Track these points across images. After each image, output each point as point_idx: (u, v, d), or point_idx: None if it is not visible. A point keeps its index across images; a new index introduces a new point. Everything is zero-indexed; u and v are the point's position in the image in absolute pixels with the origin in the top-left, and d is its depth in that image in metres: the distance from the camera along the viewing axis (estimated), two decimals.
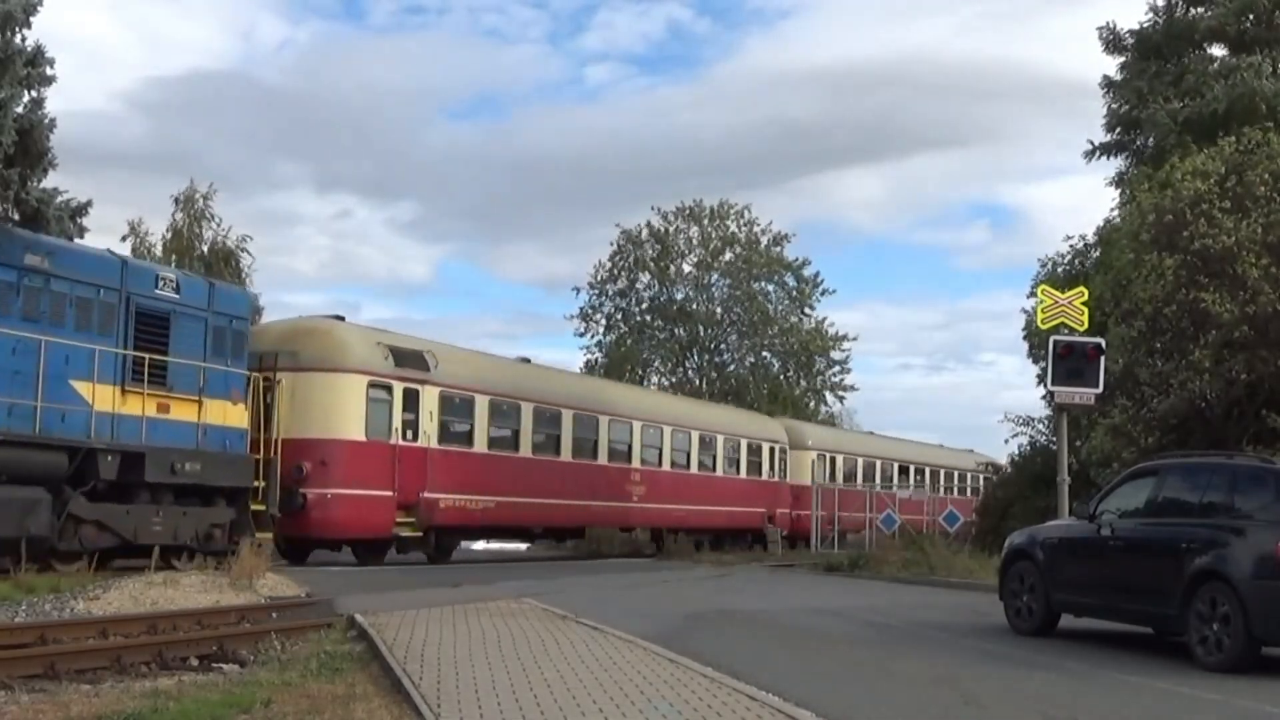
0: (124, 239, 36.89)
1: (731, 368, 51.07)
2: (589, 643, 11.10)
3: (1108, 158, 28.84)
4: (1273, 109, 23.78)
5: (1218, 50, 27.59)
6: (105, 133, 71.08)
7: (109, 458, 16.70)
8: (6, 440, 15.40)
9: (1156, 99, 26.31)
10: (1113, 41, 28.54)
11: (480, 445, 24.74)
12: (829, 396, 52.74)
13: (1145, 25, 28.13)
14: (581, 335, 50.90)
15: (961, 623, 14.93)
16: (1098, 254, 25.94)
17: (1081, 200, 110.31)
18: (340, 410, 21.34)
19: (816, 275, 50.74)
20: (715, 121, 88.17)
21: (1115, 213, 26.61)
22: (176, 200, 37.85)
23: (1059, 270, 26.42)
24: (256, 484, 19.30)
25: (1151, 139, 26.86)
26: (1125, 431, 19.98)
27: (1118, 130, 28.41)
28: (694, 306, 50.39)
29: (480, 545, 29.56)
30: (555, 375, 29.95)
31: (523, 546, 31.01)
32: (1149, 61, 27.76)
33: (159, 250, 36.83)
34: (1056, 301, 19.77)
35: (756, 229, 50.38)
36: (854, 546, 31.34)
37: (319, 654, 10.58)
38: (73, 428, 16.38)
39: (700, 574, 24.07)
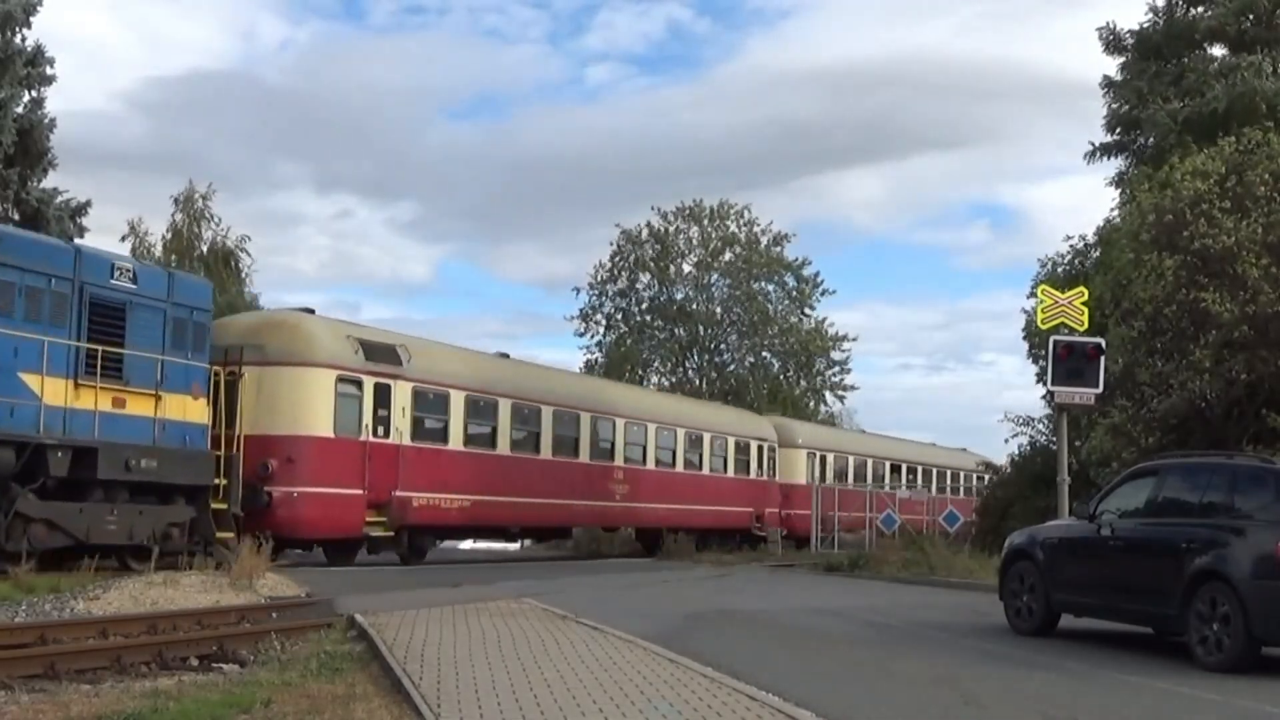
0: (124, 239, 37.09)
1: (731, 368, 51.05)
2: (589, 643, 11.10)
3: (1108, 158, 28.88)
4: (1273, 109, 23.79)
5: (1218, 50, 27.63)
6: (105, 133, 71.20)
7: (59, 453, 16.02)
8: None
9: (1156, 99, 26.34)
10: (1113, 42, 28.57)
11: (456, 442, 24.01)
12: (829, 396, 52.84)
13: (1145, 25, 28.18)
14: (581, 335, 50.99)
15: (961, 623, 14.93)
16: (1098, 254, 25.93)
17: (1081, 200, 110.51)
18: (308, 405, 20.67)
19: (816, 275, 50.79)
20: (715, 121, 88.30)
21: (1115, 213, 26.62)
22: (176, 200, 38.00)
23: (1059, 270, 26.41)
24: (218, 482, 18.69)
25: (1151, 139, 26.88)
26: (1125, 431, 19.97)
27: (1118, 130, 28.43)
28: (694, 306, 50.36)
29: (467, 545, 29.25)
30: (535, 371, 29.03)
31: (512, 546, 30.57)
32: (1149, 61, 27.78)
33: (159, 250, 36.94)
34: (1056, 301, 19.77)
35: (756, 229, 50.42)
36: (853, 546, 31.32)
37: (319, 654, 10.58)
38: (21, 422, 15.67)
39: (700, 574, 24.07)
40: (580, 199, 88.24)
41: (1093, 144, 28.85)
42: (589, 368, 48.94)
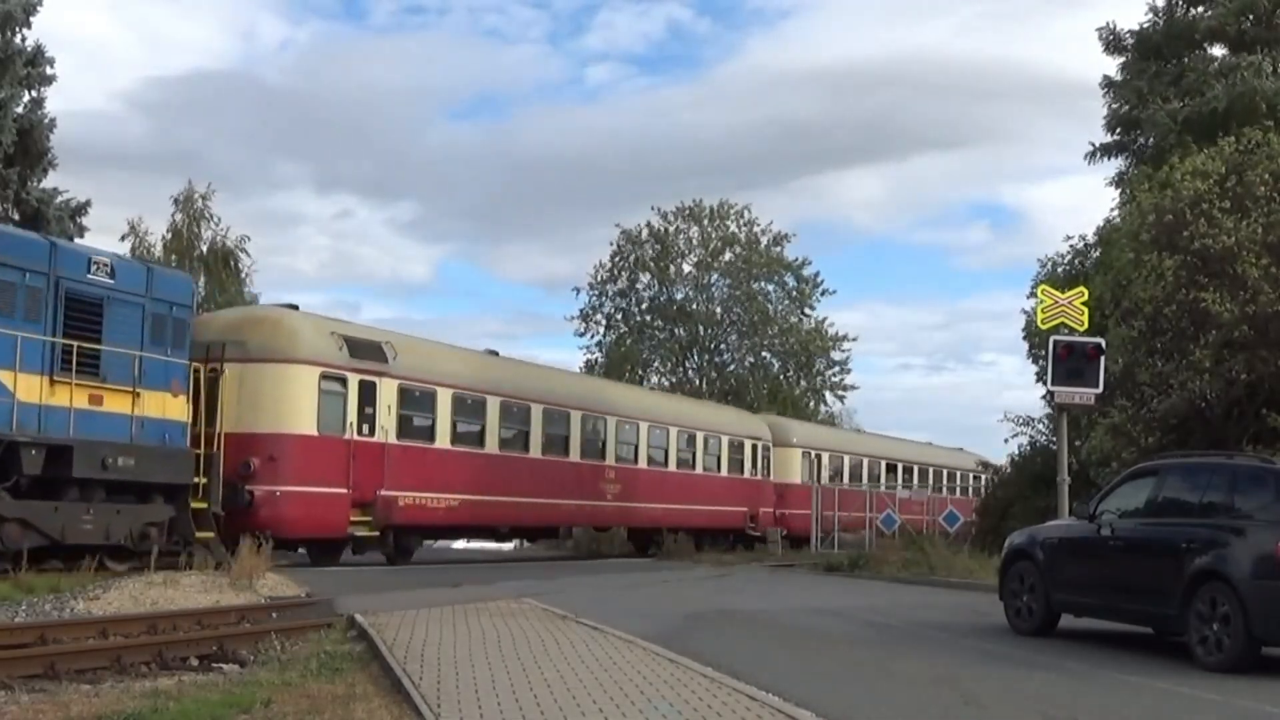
0: (123, 239, 37.04)
1: (731, 368, 51.10)
2: (589, 643, 11.10)
3: (1108, 158, 28.88)
4: (1273, 109, 23.78)
5: (1218, 50, 27.63)
6: (105, 133, 71.27)
7: (33, 451, 15.67)
8: None
9: (1156, 99, 26.33)
10: (1113, 42, 28.57)
11: (443, 441, 23.60)
12: (829, 396, 52.86)
13: (1145, 25, 28.18)
14: (581, 335, 51.01)
15: (961, 623, 14.93)
16: (1098, 254, 25.92)
17: (1081, 200, 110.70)
18: (290, 403, 20.30)
19: (816, 275, 50.88)
20: (715, 121, 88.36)
21: (1115, 213, 26.61)
22: (176, 200, 37.93)
23: (1059, 270, 26.40)
24: (198, 480, 18.28)
25: (1151, 139, 26.87)
26: (1125, 431, 19.96)
27: (1118, 130, 28.43)
28: (694, 306, 50.39)
29: (460, 544, 29.06)
30: (524, 368, 28.50)
31: (505, 546, 30.31)
32: (1149, 61, 27.78)
33: (158, 250, 36.89)
34: (1056, 301, 19.77)
35: (756, 229, 50.49)
36: (852, 546, 31.31)
37: (319, 654, 10.58)
38: None
39: (700, 574, 24.06)
40: (580, 199, 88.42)
41: (1093, 144, 28.87)
42: (589, 368, 48.94)
